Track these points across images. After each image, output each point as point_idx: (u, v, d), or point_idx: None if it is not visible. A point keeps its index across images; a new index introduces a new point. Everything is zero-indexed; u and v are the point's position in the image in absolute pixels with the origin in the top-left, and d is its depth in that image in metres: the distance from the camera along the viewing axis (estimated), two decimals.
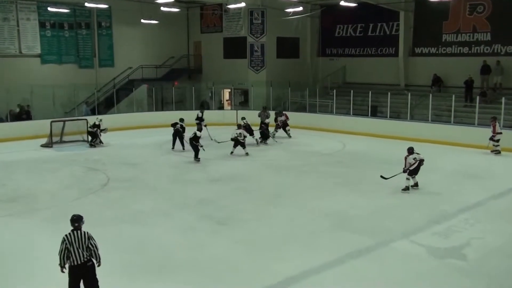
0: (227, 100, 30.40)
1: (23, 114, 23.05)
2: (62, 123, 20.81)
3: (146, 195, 13.46)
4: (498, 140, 18.02)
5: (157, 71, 29.87)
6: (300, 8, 25.65)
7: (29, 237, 10.29)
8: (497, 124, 18.11)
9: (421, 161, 13.11)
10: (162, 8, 24.79)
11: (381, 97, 23.86)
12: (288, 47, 29.91)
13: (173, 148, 19.49)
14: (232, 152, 18.43)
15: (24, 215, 11.73)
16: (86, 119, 21.03)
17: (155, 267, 8.79)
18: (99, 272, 7.71)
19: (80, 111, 25.10)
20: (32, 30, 25.80)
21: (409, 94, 22.71)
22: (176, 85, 27.77)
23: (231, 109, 28.17)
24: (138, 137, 21.97)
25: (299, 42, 30.50)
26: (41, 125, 21.08)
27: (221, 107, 29.67)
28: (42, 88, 23.42)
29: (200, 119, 21.39)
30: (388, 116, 23.03)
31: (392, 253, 9.38)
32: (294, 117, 24.05)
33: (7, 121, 22.88)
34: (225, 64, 29.88)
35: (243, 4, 24.82)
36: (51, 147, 20.11)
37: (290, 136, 22.02)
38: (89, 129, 20.34)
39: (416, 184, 13.42)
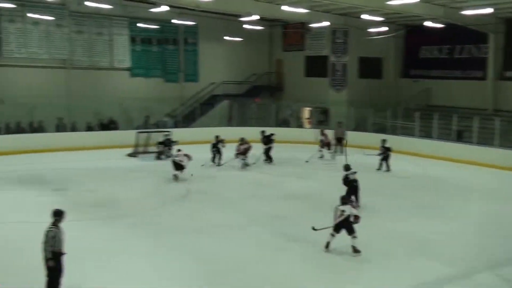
0: (306, 119, 30.40)
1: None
2: (147, 134, 21.64)
3: (222, 208, 13.72)
4: None
5: (239, 87, 30.44)
6: (384, 28, 25.34)
7: (110, 240, 10.78)
8: None
9: (355, 218, 10.20)
10: (245, 26, 25.29)
11: (467, 122, 22.96)
12: (370, 67, 29.57)
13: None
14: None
15: (107, 220, 12.29)
16: (170, 131, 21.74)
17: (226, 278, 8.99)
18: (179, 280, 7.96)
19: (164, 124, 25.99)
20: (123, 44, 27.11)
21: (498, 120, 21.70)
22: (257, 101, 28.16)
23: (311, 127, 28.15)
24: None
25: (382, 62, 30.09)
26: (127, 135, 22.02)
27: (300, 125, 29.70)
28: (130, 100, 24.54)
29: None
30: (475, 141, 22.08)
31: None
32: (374, 138, 23.72)
33: (97, 130, 24.17)
34: (306, 82, 29.96)
35: (326, 23, 24.88)
36: (136, 156, 20.97)
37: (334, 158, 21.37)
38: (160, 142, 21.03)
39: (353, 248, 10.16)
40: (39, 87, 23.71)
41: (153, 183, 16.61)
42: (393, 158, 20.00)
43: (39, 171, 17.53)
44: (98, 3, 22.46)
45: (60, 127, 23.21)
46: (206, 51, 29.63)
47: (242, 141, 19.36)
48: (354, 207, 10.25)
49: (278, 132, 22.39)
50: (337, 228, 10.14)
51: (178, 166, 16.70)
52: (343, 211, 10.11)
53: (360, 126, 26.76)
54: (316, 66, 29.71)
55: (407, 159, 21.87)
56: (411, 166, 20.55)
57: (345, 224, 10.09)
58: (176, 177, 16.69)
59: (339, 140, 22.75)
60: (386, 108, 26.27)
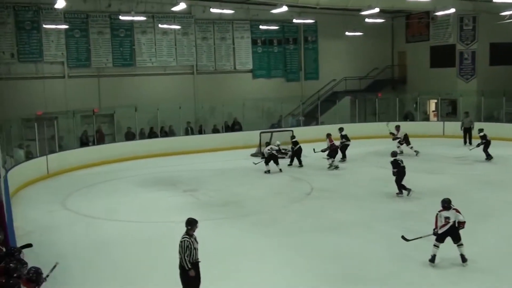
0: (433, 111, 29.15)
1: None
2: (270, 134, 22.03)
3: (347, 205, 13.61)
4: None
5: (361, 83, 29.93)
6: None
7: (237, 239, 11.14)
8: None
9: (458, 224, 9.09)
10: (366, 20, 24.80)
11: None
12: (503, 53, 27.53)
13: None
14: (267, 171, 17.92)
15: (235, 219, 12.72)
16: (292, 130, 21.95)
17: (354, 277, 8.91)
18: (305, 279, 8.01)
19: (286, 123, 26.32)
20: (245, 47, 27.83)
21: None
22: (380, 96, 27.51)
23: (437, 120, 26.94)
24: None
25: None
26: (250, 136, 22.60)
27: (426, 119, 28.54)
28: (252, 101, 25.18)
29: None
30: None
31: None
32: (509, 129, 22.14)
33: (222, 132, 25.11)
34: (431, 73, 28.68)
35: (452, 10, 23.63)
36: (260, 156, 21.38)
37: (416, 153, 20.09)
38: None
39: (462, 258, 9.15)
40: (169, 93, 25.16)
41: (277, 181, 16.90)
42: None
43: (171, 173, 18.61)
44: (222, 9, 23.35)
45: (188, 131, 24.41)
46: (326, 48, 29.53)
47: (328, 137, 18.88)
48: (458, 212, 9.11)
49: (403, 126, 21.62)
50: (441, 237, 9.10)
51: (270, 158, 17.92)
52: (447, 217, 9.04)
53: (492, 117, 25.11)
54: (442, 56, 28.36)
55: None
56: None
57: (451, 232, 9.07)
58: (268, 171, 17.89)
59: (467, 131, 22.05)
60: None
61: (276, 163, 18.06)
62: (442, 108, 27.95)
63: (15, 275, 6.29)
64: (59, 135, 20.74)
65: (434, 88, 27.33)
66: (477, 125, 21.34)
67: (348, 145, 19.72)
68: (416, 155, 19.92)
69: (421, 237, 9.52)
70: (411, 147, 20.13)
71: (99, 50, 24.21)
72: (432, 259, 9.15)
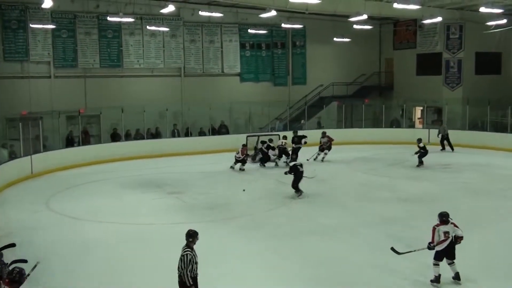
0: (418, 119, 29.38)
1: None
2: (256, 137, 22.03)
3: (332, 210, 13.65)
4: None
5: (348, 89, 30.07)
6: (504, 21, 23.75)
7: (224, 242, 11.10)
8: None
9: (455, 239, 8.60)
10: (354, 26, 24.95)
11: None
12: (488, 63, 27.89)
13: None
14: (232, 167, 19.51)
15: (221, 222, 12.68)
16: (278, 135, 21.97)
17: (340, 281, 8.92)
18: (289, 283, 7.97)
19: (273, 127, 26.33)
20: (234, 50, 27.82)
21: None
22: (367, 102, 27.65)
23: (423, 127, 27.14)
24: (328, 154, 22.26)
25: (501, 57, 28.28)
26: (237, 139, 22.57)
27: (411, 126, 28.75)
28: (239, 105, 25.15)
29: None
30: None
31: None
32: (494, 138, 22.36)
33: (208, 135, 25.09)
34: (418, 81, 28.94)
35: (439, 19, 23.84)
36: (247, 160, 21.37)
37: (322, 161, 20.89)
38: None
39: (457, 276, 8.69)
40: (156, 95, 25.06)
41: (264, 185, 16.91)
42: None
43: (156, 175, 18.51)
44: (211, 12, 23.31)
45: (175, 133, 24.34)
46: (314, 53, 29.65)
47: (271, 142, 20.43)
48: (456, 226, 8.65)
49: (389, 133, 21.86)
50: (441, 256, 8.56)
51: (237, 161, 19.37)
52: (447, 232, 8.47)
53: (476, 125, 25.38)
54: (429, 64, 28.63)
55: None
56: None
57: (449, 248, 8.54)
58: (232, 168, 19.46)
59: (444, 138, 22.83)
60: (506, 105, 24.66)
61: (243, 163, 19.43)
62: (428, 115, 28.19)
63: None
64: (44, 135, 20.54)
65: (420, 95, 27.55)
66: (460, 133, 21.64)
67: (300, 147, 20.40)
68: (320, 159, 20.80)
69: (414, 251, 9.25)
70: (326, 153, 20.92)
71: (86, 51, 24.07)
72: (437, 280, 8.60)
